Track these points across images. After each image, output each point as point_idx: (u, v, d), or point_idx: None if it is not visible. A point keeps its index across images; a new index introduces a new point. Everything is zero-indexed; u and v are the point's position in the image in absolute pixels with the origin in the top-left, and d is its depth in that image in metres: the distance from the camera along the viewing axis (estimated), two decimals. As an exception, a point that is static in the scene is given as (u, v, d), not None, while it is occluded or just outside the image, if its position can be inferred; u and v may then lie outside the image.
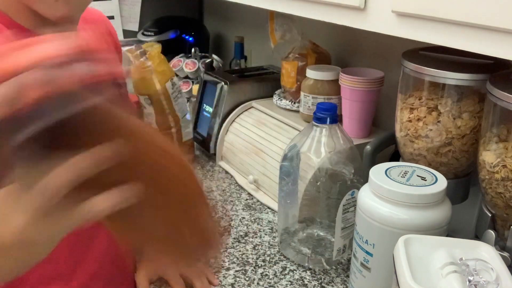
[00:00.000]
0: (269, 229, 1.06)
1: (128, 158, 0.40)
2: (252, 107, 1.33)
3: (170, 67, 1.30)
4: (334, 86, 1.13)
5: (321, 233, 0.98)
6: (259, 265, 0.94)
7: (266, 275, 0.91)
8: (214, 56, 1.73)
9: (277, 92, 1.33)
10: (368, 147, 0.95)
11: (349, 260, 0.93)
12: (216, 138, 1.33)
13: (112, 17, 1.92)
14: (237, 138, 1.28)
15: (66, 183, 0.40)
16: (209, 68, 1.67)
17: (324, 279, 0.91)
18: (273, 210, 1.13)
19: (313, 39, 1.26)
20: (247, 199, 1.19)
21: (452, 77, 0.77)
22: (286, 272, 0.92)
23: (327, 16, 0.81)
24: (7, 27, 0.70)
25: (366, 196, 0.75)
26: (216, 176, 1.30)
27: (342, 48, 1.33)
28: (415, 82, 0.83)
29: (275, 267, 0.93)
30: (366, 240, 0.75)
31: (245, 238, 1.03)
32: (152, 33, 1.82)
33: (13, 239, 0.42)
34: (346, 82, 1.06)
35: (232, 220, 1.09)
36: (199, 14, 2.12)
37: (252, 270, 0.92)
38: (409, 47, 0.87)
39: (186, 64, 1.70)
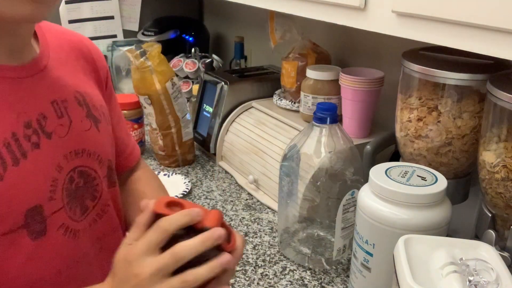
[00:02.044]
0: (269, 229, 1.06)
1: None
2: (252, 107, 1.33)
3: (170, 67, 1.30)
4: (334, 86, 1.13)
5: (321, 233, 0.98)
6: (259, 265, 0.94)
7: (266, 275, 0.91)
8: (214, 56, 1.73)
9: (277, 92, 1.33)
10: (368, 147, 0.95)
11: (349, 260, 0.93)
12: (216, 138, 1.33)
13: (112, 17, 1.92)
14: (237, 138, 1.28)
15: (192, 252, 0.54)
16: (209, 68, 1.67)
17: (324, 279, 0.91)
18: (273, 210, 1.13)
19: (313, 39, 1.26)
20: (247, 199, 1.19)
21: (452, 77, 0.77)
22: (286, 272, 0.92)
23: (327, 16, 0.81)
24: None
25: (366, 196, 0.75)
26: (216, 176, 1.30)
27: (342, 48, 1.33)
28: (415, 82, 0.83)
29: (275, 267, 0.93)
30: (366, 240, 0.75)
31: (245, 238, 1.03)
32: (152, 33, 1.82)
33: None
34: (346, 82, 1.06)
35: (232, 220, 1.09)
36: (199, 14, 2.12)
37: (252, 270, 0.92)
38: (409, 47, 0.87)
39: (186, 64, 1.70)
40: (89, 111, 0.70)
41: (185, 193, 1.19)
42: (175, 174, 1.29)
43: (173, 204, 0.57)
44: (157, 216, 0.56)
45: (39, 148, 0.60)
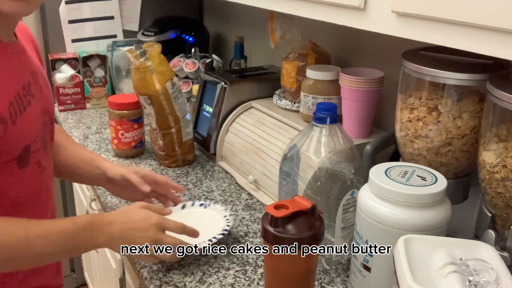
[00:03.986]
0: (269, 229, 1.06)
1: None
2: (252, 107, 1.33)
3: (170, 67, 1.30)
4: (334, 86, 1.13)
5: (321, 233, 0.98)
6: (259, 265, 0.94)
7: (266, 275, 0.91)
8: (214, 56, 1.73)
9: (277, 92, 1.33)
10: (368, 147, 0.95)
11: (349, 260, 0.93)
12: (216, 138, 1.33)
13: (112, 17, 1.92)
14: (237, 138, 1.28)
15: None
16: (209, 68, 1.68)
17: (324, 279, 0.91)
18: (273, 210, 1.13)
19: (313, 39, 1.27)
20: (247, 199, 1.19)
21: (452, 77, 0.77)
22: (286, 272, 0.92)
23: (327, 16, 0.81)
24: None
25: (366, 196, 0.75)
26: (216, 176, 1.30)
27: (342, 48, 1.33)
28: (415, 82, 0.83)
29: (275, 267, 0.93)
30: (366, 240, 0.75)
31: (245, 238, 1.03)
32: (152, 33, 1.82)
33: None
34: (346, 82, 1.06)
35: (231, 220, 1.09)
36: (199, 14, 2.12)
37: (252, 270, 0.92)
38: (409, 47, 0.87)
39: (186, 64, 1.70)
40: (45, 80, 0.93)
41: (225, 232, 0.97)
42: (213, 204, 1.09)
43: (281, 206, 0.75)
44: (267, 214, 0.75)
45: (30, 104, 0.84)
